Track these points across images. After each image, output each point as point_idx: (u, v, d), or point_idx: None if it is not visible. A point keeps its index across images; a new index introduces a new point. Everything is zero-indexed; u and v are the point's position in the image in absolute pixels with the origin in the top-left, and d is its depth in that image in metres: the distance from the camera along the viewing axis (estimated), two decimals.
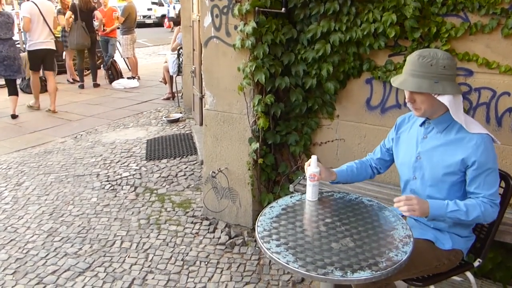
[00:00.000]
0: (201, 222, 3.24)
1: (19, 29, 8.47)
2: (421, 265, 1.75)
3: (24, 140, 5.22)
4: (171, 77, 7.01)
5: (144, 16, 20.94)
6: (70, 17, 7.64)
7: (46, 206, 3.52)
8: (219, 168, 3.12)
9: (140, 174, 4.11)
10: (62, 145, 5.05)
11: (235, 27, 2.77)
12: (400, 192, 2.02)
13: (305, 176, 1.88)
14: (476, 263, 1.89)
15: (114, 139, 5.18)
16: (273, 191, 3.10)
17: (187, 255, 2.83)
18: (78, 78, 8.38)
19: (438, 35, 2.33)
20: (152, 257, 2.81)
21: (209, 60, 2.99)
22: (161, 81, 7.53)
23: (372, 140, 2.71)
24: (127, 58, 8.78)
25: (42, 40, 6.19)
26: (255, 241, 2.87)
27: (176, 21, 7.57)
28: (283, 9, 2.63)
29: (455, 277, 1.94)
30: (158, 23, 21.33)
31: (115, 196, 3.69)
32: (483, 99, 2.34)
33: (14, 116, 6.06)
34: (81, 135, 5.42)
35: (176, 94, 6.97)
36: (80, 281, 2.57)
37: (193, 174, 4.11)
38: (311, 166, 1.82)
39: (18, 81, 7.05)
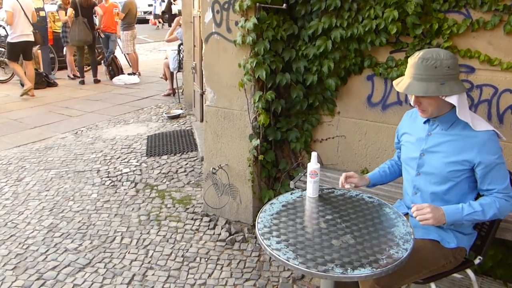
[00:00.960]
0: (201, 219, 3.24)
1: None
2: (430, 265, 1.75)
3: (24, 135, 5.22)
4: (171, 73, 7.00)
5: (144, 12, 20.90)
6: (72, 13, 7.63)
7: (47, 202, 3.53)
8: (220, 165, 3.12)
9: (140, 170, 4.11)
10: (62, 141, 5.05)
11: (236, 23, 2.76)
12: (401, 189, 2.02)
13: (305, 172, 1.87)
14: (476, 261, 1.89)
15: (115, 135, 5.18)
16: (273, 188, 3.10)
17: (187, 252, 2.83)
18: (78, 74, 8.38)
19: (440, 32, 2.32)
20: (152, 253, 2.81)
21: (209, 56, 2.98)
22: (161, 77, 7.52)
23: (373, 137, 2.70)
24: (128, 54, 8.77)
25: (24, 33, 6.78)
26: (255, 237, 2.87)
27: (171, 16, 7.59)
28: (284, 5, 2.62)
29: (455, 275, 1.94)
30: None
31: (116, 192, 3.69)
32: (484, 96, 2.33)
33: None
34: (82, 131, 5.42)
35: (176, 90, 6.97)
36: (80, 277, 2.58)
37: (193, 170, 4.11)
38: (311, 163, 1.82)
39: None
